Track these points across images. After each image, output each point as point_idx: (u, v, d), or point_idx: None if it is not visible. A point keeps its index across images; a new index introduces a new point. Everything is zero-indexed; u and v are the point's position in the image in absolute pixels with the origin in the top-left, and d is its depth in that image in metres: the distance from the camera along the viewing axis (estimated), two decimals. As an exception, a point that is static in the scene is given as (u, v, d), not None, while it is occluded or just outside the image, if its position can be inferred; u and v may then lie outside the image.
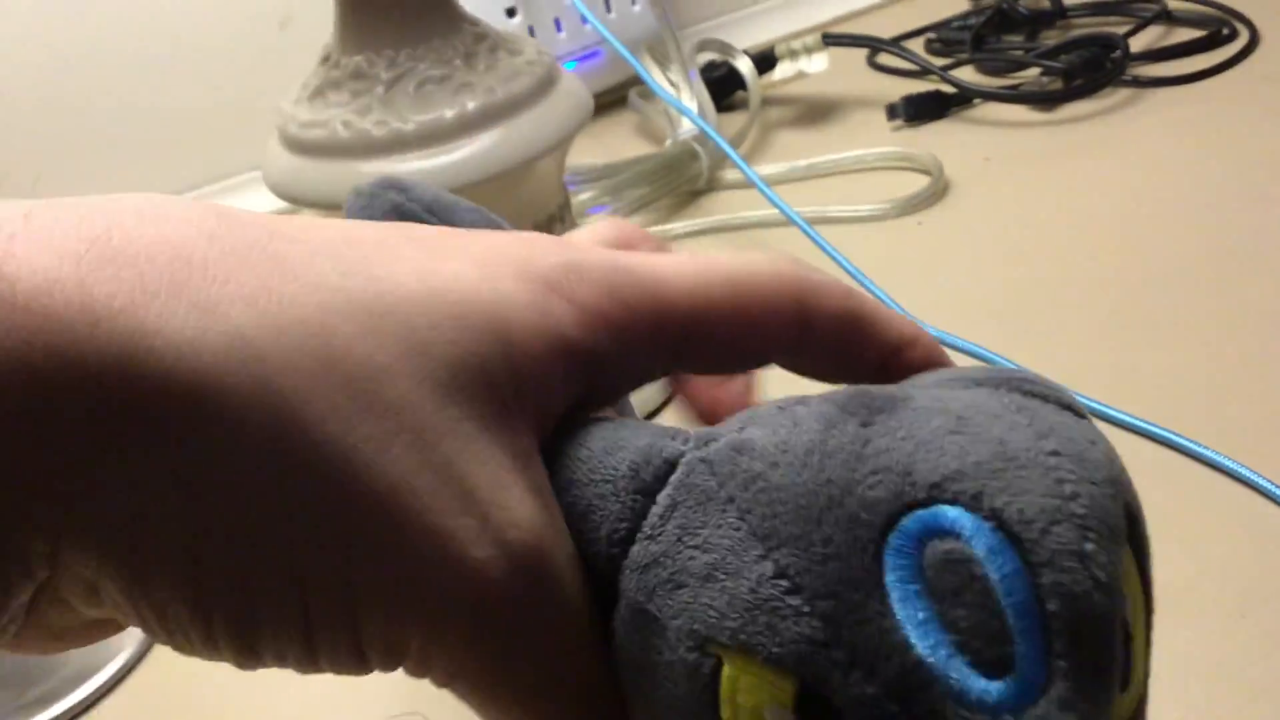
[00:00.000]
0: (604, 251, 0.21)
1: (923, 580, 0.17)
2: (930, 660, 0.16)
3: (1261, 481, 0.39)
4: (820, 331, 0.21)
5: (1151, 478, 0.42)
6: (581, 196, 0.65)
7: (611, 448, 0.19)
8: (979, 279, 0.55)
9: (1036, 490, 0.17)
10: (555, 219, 0.50)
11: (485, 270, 0.19)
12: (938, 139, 0.70)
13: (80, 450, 0.16)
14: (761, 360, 0.22)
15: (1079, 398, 0.44)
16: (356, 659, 0.18)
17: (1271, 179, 0.59)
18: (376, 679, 0.19)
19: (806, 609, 0.17)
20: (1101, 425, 0.44)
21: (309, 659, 0.18)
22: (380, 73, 0.45)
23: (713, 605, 0.17)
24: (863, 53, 0.82)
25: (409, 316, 0.18)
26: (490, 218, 0.25)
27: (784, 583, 0.17)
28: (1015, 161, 0.66)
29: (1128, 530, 0.18)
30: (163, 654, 0.43)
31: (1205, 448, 0.41)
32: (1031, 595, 0.17)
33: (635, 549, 0.18)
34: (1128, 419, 0.43)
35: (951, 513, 0.17)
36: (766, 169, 0.67)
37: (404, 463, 0.17)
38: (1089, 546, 0.17)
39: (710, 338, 0.21)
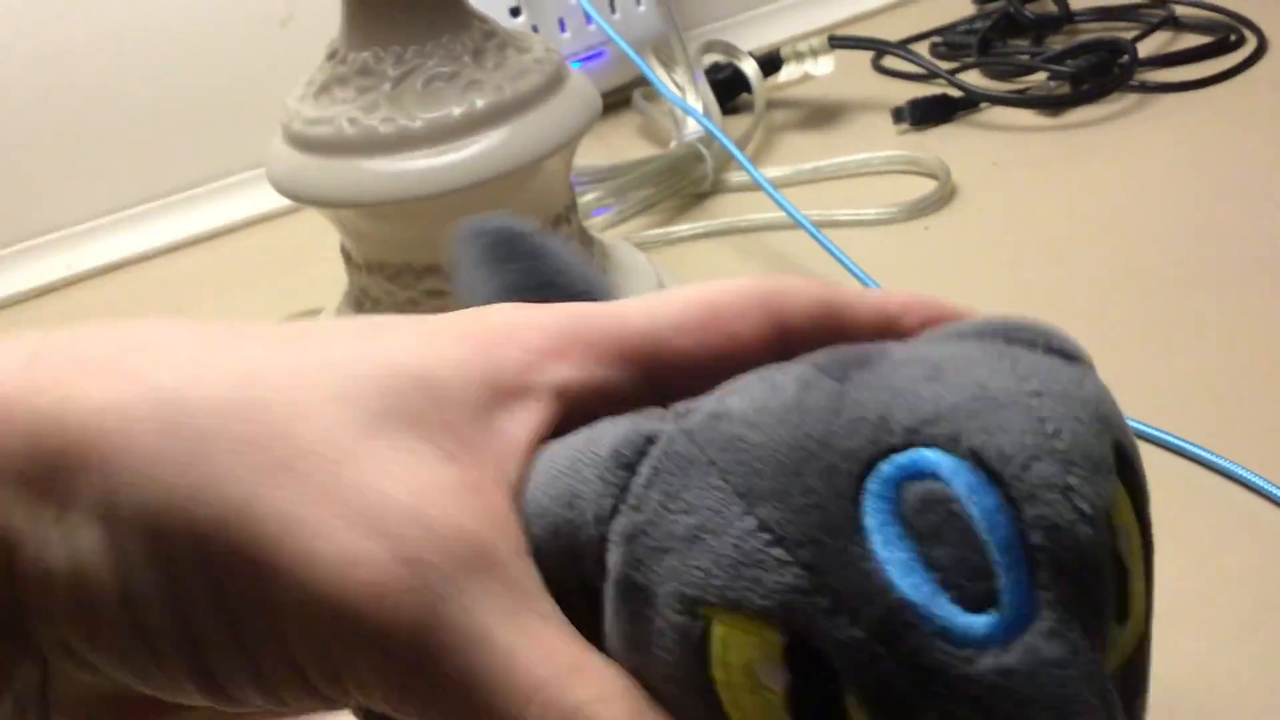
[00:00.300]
0: (564, 304, 0.22)
1: (903, 522, 0.17)
2: (913, 600, 0.16)
3: (1274, 490, 0.39)
4: (797, 331, 0.21)
5: (1164, 486, 0.41)
6: (586, 198, 0.65)
7: (592, 438, 0.19)
8: (986, 284, 0.55)
9: (1016, 428, 0.17)
10: (561, 219, 0.49)
11: (425, 337, 0.20)
12: (944, 143, 0.69)
13: (23, 508, 0.17)
14: (727, 355, 0.22)
15: None
16: (309, 691, 0.18)
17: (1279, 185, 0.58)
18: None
19: (789, 559, 0.16)
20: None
21: (269, 693, 0.18)
22: (387, 69, 0.45)
23: (699, 566, 0.17)
24: (868, 55, 0.82)
25: (337, 378, 0.19)
26: (582, 259, 0.26)
27: (766, 535, 0.17)
28: (1022, 166, 0.66)
29: (1118, 467, 0.18)
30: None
31: (1218, 455, 0.41)
32: (1014, 529, 0.17)
33: (619, 521, 0.18)
34: (1138, 426, 0.43)
35: (929, 454, 0.17)
36: (772, 171, 0.67)
37: (309, 487, 0.17)
38: (1072, 480, 0.17)
39: (684, 357, 0.21)
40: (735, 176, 0.68)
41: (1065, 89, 0.71)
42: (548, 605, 0.18)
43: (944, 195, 0.62)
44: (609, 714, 0.17)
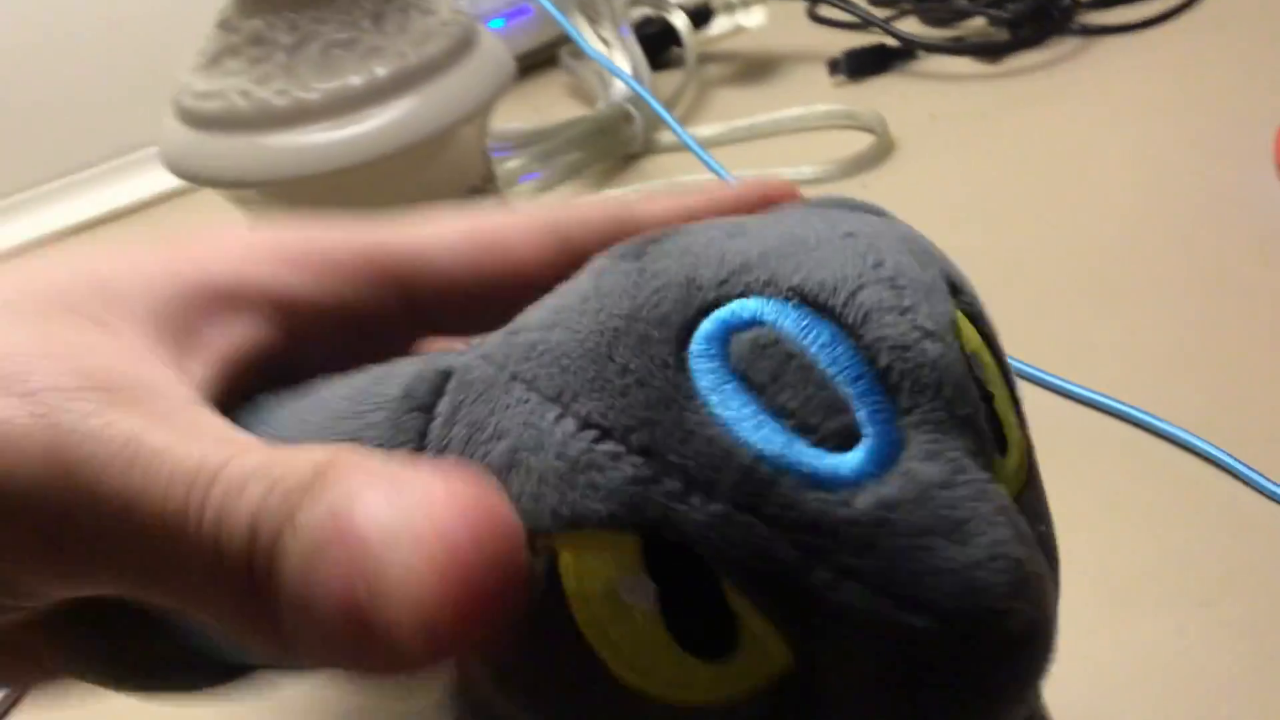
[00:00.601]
0: (321, 224, 0.19)
1: (738, 376, 0.15)
2: (769, 452, 0.14)
3: (1228, 459, 0.37)
4: (589, 252, 0.19)
5: (1111, 456, 0.40)
6: (510, 164, 0.62)
7: (381, 377, 0.17)
8: (927, 243, 0.52)
9: (835, 264, 0.16)
10: (478, 191, 0.47)
11: (133, 250, 0.18)
12: (882, 95, 0.67)
13: None
14: (506, 286, 0.19)
15: (1033, 369, 0.41)
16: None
17: (1225, 129, 0.57)
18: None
19: (622, 449, 0.15)
20: (1058, 400, 0.42)
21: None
22: (281, 37, 0.42)
23: (524, 492, 0.15)
24: (802, 4, 0.80)
25: (4, 289, 0.17)
26: None
27: (591, 432, 0.15)
28: (961, 117, 0.64)
29: (954, 298, 0.17)
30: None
31: (1168, 423, 0.39)
32: (857, 356, 0.15)
33: None
34: (1085, 393, 0.41)
35: (749, 303, 0.15)
36: (704, 130, 0.64)
37: None
38: (906, 300, 0.16)
39: (454, 282, 0.18)
40: (667, 136, 0.65)
41: (1004, 35, 0.69)
42: (221, 419, 0.16)
43: (881, 151, 0.60)
44: (311, 458, 0.14)
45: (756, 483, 0.14)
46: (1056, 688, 0.32)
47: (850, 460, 0.15)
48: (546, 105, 0.73)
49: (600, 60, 0.65)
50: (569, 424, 0.15)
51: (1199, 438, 0.38)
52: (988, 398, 0.17)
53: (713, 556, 0.14)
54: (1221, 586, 0.34)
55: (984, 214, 0.55)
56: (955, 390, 0.15)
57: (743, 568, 0.14)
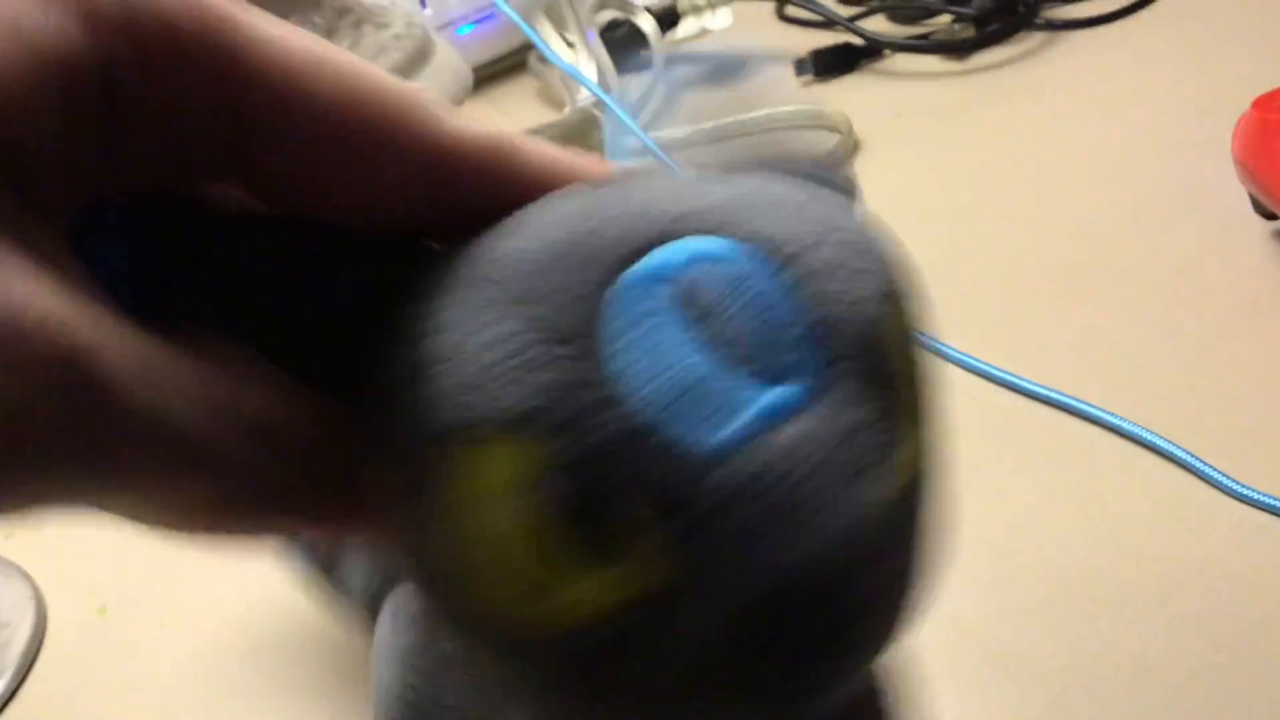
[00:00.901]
0: None
1: (683, 304, 0.15)
2: (696, 376, 0.15)
3: (1187, 457, 0.38)
4: (462, 192, 0.17)
5: (1069, 453, 0.40)
6: (476, 171, 0.62)
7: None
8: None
9: (793, 220, 0.16)
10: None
11: None
12: (848, 94, 0.67)
13: None
14: (363, 194, 0.17)
15: (992, 368, 0.41)
16: None
17: (1192, 121, 0.57)
18: None
19: (553, 355, 0.15)
20: (1018, 397, 0.42)
21: None
22: (234, 55, 0.42)
23: (448, 385, 0.15)
24: (769, 5, 0.80)
25: None
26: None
27: (528, 335, 0.15)
28: (927, 116, 0.64)
29: (894, 281, 0.17)
30: (38, 686, 0.40)
31: (1127, 420, 0.39)
32: (804, 303, 0.16)
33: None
34: (1044, 391, 0.41)
35: (703, 240, 0.16)
36: (672, 133, 0.64)
37: None
38: (857, 263, 0.16)
39: (296, 122, 0.16)
40: (635, 141, 0.65)
41: (970, 31, 0.69)
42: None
43: (846, 151, 0.60)
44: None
45: (680, 403, 0.15)
46: (1011, 687, 0.32)
47: (783, 393, 0.15)
48: (516, 109, 0.73)
49: (564, 67, 0.65)
50: (507, 326, 0.15)
51: (1158, 435, 0.38)
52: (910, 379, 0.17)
53: (621, 471, 0.15)
54: (1179, 584, 0.34)
55: (949, 212, 0.55)
56: (889, 350, 0.16)
57: (651, 485, 0.15)
